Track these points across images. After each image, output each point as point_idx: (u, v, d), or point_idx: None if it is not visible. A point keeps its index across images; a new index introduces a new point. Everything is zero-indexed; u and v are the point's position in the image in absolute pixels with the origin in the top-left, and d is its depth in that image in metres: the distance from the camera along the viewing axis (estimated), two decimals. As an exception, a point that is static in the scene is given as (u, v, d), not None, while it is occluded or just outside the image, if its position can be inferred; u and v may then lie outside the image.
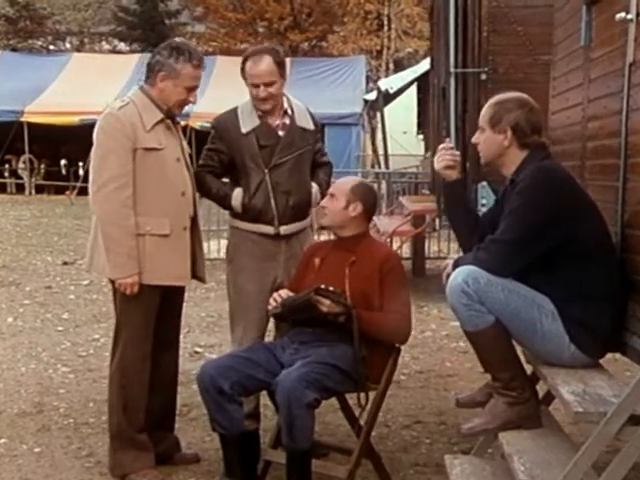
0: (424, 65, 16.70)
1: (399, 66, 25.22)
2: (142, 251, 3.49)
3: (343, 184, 3.65)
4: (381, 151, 17.88)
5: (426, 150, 18.51)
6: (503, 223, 3.03)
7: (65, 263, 10.02)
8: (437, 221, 9.03)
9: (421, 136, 18.99)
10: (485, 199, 6.78)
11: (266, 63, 3.71)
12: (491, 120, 3.15)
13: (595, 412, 2.59)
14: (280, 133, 3.82)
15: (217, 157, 3.87)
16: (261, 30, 26.32)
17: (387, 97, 16.48)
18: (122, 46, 30.73)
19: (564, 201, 2.96)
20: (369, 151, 19.60)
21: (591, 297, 2.95)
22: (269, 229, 3.84)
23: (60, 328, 6.66)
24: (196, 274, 3.74)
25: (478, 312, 2.95)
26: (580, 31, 3.60)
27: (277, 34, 24.99)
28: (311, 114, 3.96)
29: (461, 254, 3.33)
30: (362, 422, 3.59)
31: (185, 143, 3.73)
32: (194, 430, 4.30)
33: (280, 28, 25.49)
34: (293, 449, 3.30)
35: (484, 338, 2.99)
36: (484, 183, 6.79)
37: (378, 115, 18.34)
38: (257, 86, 3.72)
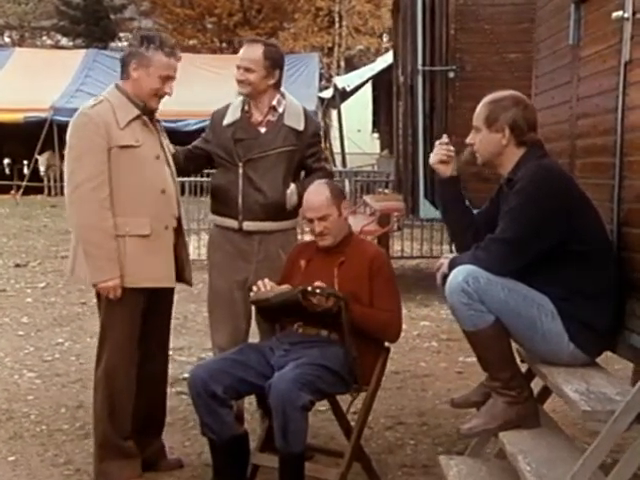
0: (380, 63, 16.72)
1: (350, 64, 25.24)
2: (123, 253, 3.39)
3: (321, 199, 3.48)
4: (337, 149, 17.84)
5: (382, 149, 18.54)
6: (502, 222, 3.02)
7: (17, 265, 9.74)
8: (399, 220, 9.03)
9: (376, 134, 18.99)
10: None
11: (254, 51, 3.75)
12: (487, 119, 3.12)
13: (603, 411, 2.58)
14: (261, 129, 3.80)
15: (205, 143, 3.96)
16: (210, 26, 26.04)
17: (343, 95, 16.46)
18: (65, 41, 30.08)
19: (563, 200, 2.96)
20: (322, 149, 19.54)
21: (590, 295, 2.95)
22: (233, 223, 3.83)
23: (21, 332, 6.45)
24: (183, 278, 3.64)
25: (478, 311, 2.93)
26: (567, 29, 3.61)
27: (226, 30, 24.74)
28: (307, 116, 3.88)
29: (455, 254, 3.29)
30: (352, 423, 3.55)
31: (167, 140, 3.64)
32: (172, 435, 4.19)
33: (229, 24, 25.17)
34: (287, 452, 3.23)
35: (484, 338, 2.97)
36: (452, 181, 6.79)
37: (333, 113, 18.32)
38: (238, 68, 3.77)
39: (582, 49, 3.48)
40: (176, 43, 3.63)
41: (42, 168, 19.32)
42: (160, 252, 3.49)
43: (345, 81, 16.39)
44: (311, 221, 3.52)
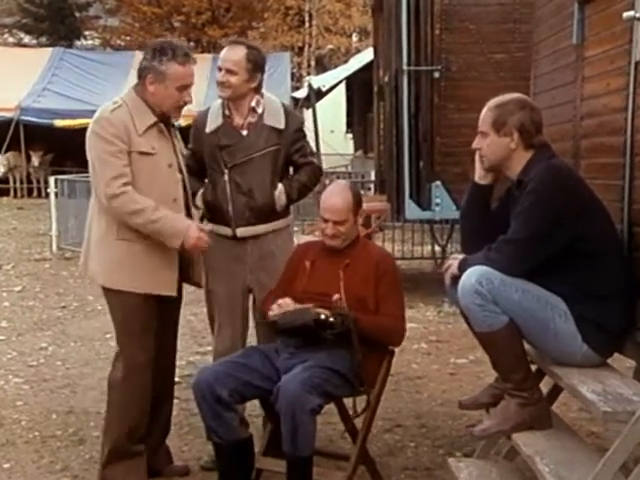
0: (355, 63, 16.71)
1: (321, 63, 25.21)
2: (134, 259, 3.36)
3: (342, 204, 3.44)
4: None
5: (356, 149, 18.51)
6: (514, 223, 3.00)
7: (-10, 269, 9.57)
8: (380, 221, 9.00)
9: (350, 135, 18.93)
10: (439, 198, 6.80)
11: (236, 53, 3.66)
12: (495, 124, 3.09)
13: (623, 411, 2.58)
14: (243, 132, 3.74)
15: (193, 157, 3.85)
16: (178, 25, 25.75)
17: (318, 95, 16.42)
18: (28, 39, 29.58)
19: (574, 200, 2.95)
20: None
21: (602, 296, 2.95)
22: (227, 230, 3.78)
23: (1, 337, 6.32)
24: (193, 279, 3.61)
25: (492, 312, 2.91)
26: (569, 29, 3.61)
27: (194, 29, 24.47)
28: (288, 113, 3.81)
29: (462, 254, 3.26)
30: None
31: (181, 146, 3.59)
32: (169, 440, 4.07)
33: (197, 23, 24.86)
34: (295, 457, 3.20)
35: (498, 339, 2.95)
36: (438, 183, 6.80)
37: (306, 113, 18.20)
38: (220, 69, 3.70)
39: (587, 49, 3.47)
40: (189, 47, 3.53)
41: (2, 169, 18.95)
42: (167, 260, 3.44)
43: (320, 81, 16.33)
44: (326, 221, 3.46)
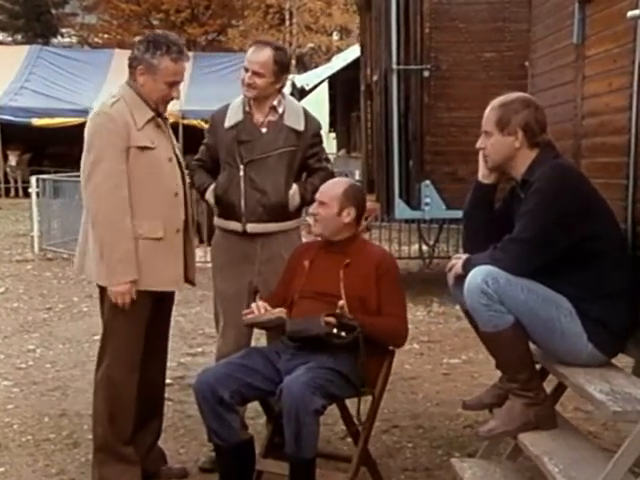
0: (339, 61, 16.71)
1: (301, 62, 25.14)
2: (137, 255, 3.30)
3: (332, 189, 3.48)
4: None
5: (339, 148, 18.52)
6: (519, 223, 2.99)
7: (-29, 271, 9.43)
8: (368, 221, 8.99)
9: (333, 134, 18.94)
10: (429, 198, 6.79)
11: (263, 55, 3.68)
12: (499, 123, 3.07)
13: (633, 411, 2.57)
14: (263, 130, 3.75)
15: (207, 152, 3.89)
16: (157, 23, 25.48)
17: (302, 94, 16.41)
18: (2, 37, 29.25)
19: (580, 200, 2.94)
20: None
21: (608, 295, 2.94)
22: (237, 225, 3.76)
23: (-13, 340, 6.23)
24: (187, 277, 3.56)
25: (498, 312, 2.90)
26: (569, 28, 3.60)
27: (174, 27, 24.14)
28: (308, 117, 3.83)
29: (467, 254, 3.24)
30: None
31: (175, 141, 3.56)
32: (165, 442, 4.05)
33: (177, 21, 24.63)
34: (298, 458, 3.16)
35: (504, 339, 2.94)
36: (427, 182, 6.79)
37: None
38: (246, 70, 3.71)
39: (588, 48, 3.46)
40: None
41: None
42: (171, 255, 3.42)
43: (304, 80, 16.29)
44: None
